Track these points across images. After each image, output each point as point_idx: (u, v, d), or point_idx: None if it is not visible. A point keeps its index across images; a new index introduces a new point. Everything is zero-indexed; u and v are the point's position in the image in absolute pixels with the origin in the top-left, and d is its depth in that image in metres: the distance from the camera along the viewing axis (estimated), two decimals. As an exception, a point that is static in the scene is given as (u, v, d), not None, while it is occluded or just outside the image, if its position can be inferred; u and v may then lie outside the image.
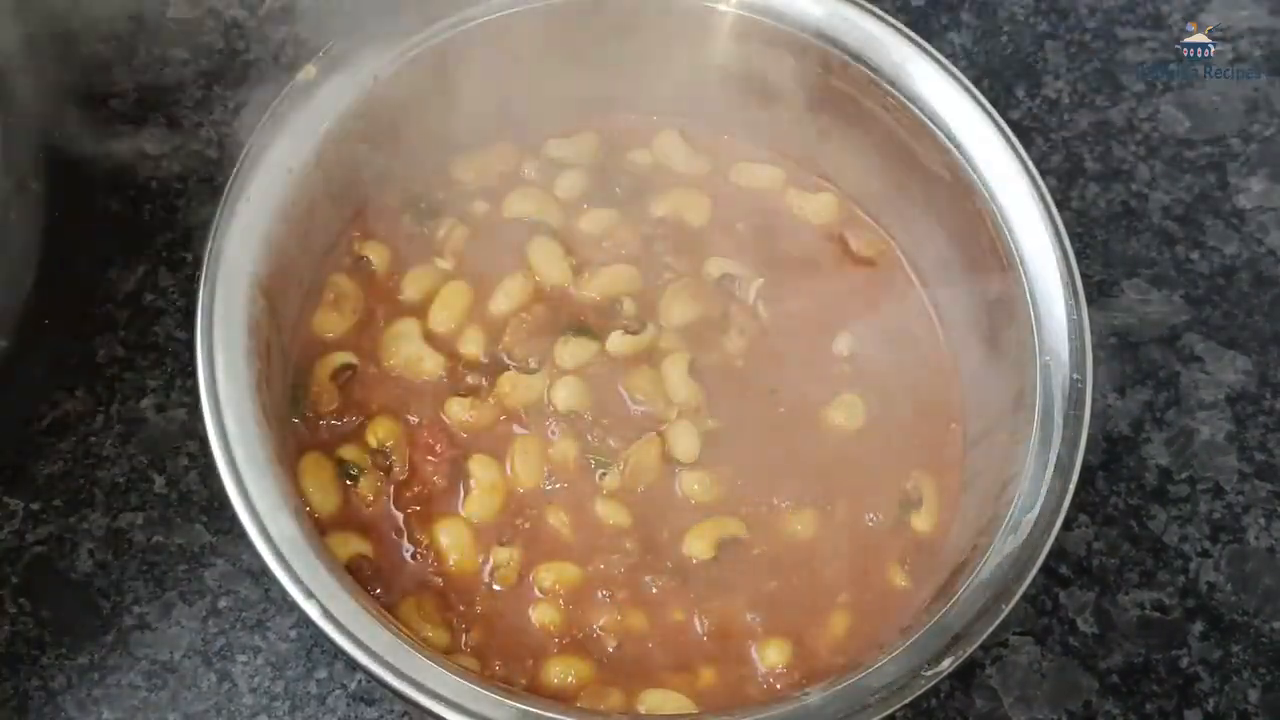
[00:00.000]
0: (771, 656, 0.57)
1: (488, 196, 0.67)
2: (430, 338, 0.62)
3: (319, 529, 0.55)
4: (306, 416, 0.60)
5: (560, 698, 0.55)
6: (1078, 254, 0.59)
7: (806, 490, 0.61)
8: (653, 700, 0.56)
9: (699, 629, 0.58)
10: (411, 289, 0.64)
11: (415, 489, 0.59)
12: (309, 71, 0.60)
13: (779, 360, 0.64)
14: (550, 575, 0.58)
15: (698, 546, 0.59)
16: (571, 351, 0.62)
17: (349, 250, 0.65)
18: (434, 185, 0.67)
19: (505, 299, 0.63)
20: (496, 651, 0.56)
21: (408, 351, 0.62)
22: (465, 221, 0.66)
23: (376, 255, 0.64)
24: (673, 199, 0.68)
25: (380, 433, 0.60)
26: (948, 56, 0.64)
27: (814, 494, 0.61)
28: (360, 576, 0.56)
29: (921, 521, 0.61)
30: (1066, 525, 0.55)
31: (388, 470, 0.59)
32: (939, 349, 0.65)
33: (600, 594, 0.58)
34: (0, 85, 0.63)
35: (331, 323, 0.63)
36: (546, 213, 0.66)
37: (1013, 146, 0.61)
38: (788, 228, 0.68)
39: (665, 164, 0.69)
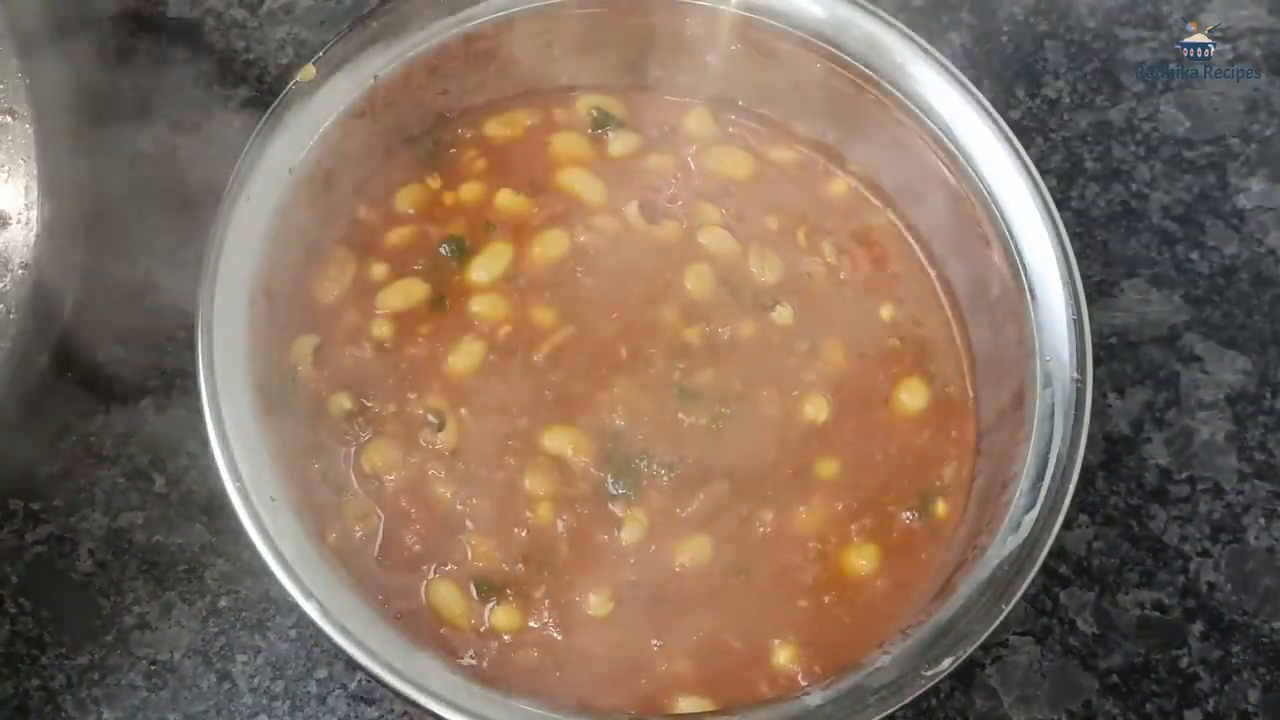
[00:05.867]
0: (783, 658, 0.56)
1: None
2: None
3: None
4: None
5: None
6: (1077, 254, 0.59)
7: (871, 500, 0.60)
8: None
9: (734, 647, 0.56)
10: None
11: None
12: (309, 71, 0.60)
13: (839, 338, 0.63)
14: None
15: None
16: None
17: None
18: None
19: None
20: None
21: None
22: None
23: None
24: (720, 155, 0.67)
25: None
26: (948, 56, 0.64)
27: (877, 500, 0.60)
28: None
29: (943, 514, 0.60)
30: (1066, 525, 0.55)
31: None
32: (953, 340, 0.65)
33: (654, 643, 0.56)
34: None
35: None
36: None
37: (1013, 146, 0.61)
38: (822, 201, 0.68)
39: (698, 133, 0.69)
